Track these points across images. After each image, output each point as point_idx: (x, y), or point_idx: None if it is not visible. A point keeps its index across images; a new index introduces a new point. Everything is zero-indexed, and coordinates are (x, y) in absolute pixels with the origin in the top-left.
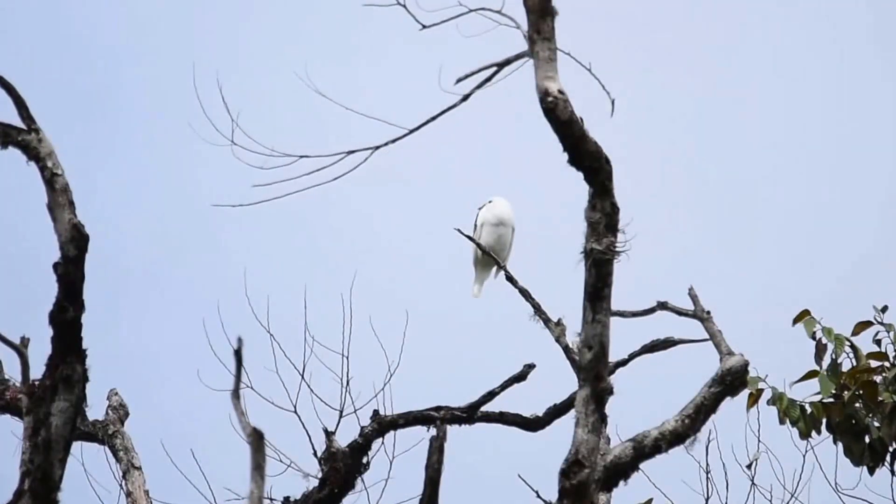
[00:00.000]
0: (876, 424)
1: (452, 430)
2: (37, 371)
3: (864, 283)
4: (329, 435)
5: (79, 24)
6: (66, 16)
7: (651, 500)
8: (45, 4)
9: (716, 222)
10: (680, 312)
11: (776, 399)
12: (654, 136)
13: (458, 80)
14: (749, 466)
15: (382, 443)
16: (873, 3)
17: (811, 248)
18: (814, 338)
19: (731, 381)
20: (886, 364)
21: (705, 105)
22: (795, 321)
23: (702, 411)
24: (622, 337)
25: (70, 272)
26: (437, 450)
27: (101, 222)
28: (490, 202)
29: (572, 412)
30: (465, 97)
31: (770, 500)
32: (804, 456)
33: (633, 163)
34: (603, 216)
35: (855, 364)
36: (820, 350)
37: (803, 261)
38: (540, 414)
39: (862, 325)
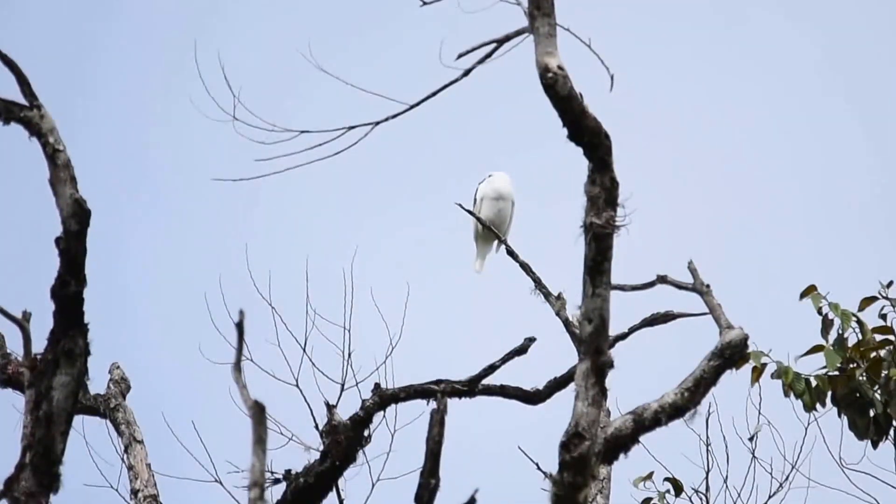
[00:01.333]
0: (880, 399)
1: (453, 403)
2: (38, 345)
3: (870, 256)
4: (330, 408)
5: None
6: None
7: (652, 473)
8: None
9: (719, 196)
10: (679, 286)
11: (781, 372)
12: (655, 110)
13: (459, 56)
14: (750, 439)
15: (384, 416)
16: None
17: (816, 220)
18: (820, 313)
19: (731, 354)
20: (891, 338)
21: (706, 79)
22: (802, 296)
23: (701, 384)
24: (622, 311)
25: (72, 247)
26: (437, 423)
27: (102, 197)
28: (489, 177)
29: (573, 385)
30: (466, 72)
31: (771, 473)
32: (806, 429)
33: (632, 137)
34: (602, 191)
35: (861, 338)
36: (826, 325)
37: (809, 234)
38: (540, 387)
39: (867, 301)
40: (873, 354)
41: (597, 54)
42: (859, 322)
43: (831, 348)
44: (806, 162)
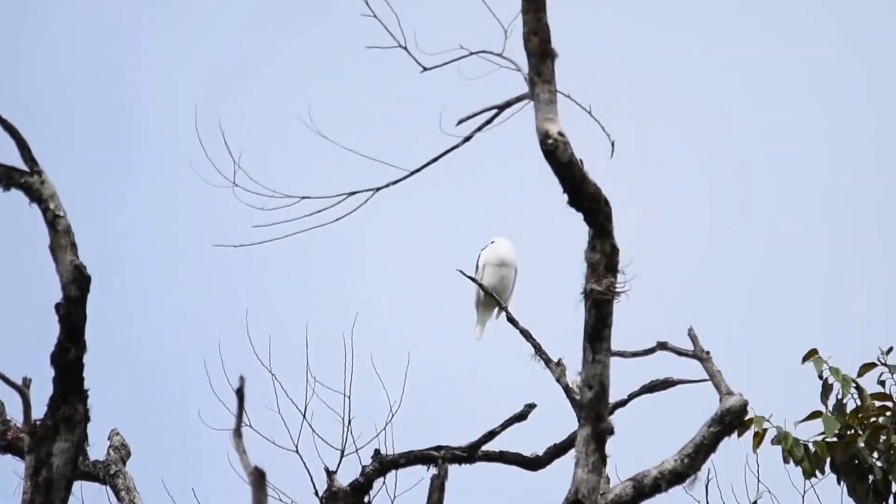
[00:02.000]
0: (879, 465)
1: (453, 470)
2: (38, 411)
3: (871, 323)
4: (331, 474)
5: (82, 66)
6: (72, 56)
7: None
8: (51, 45)
9: (719, 262)
10: (680, 353)
11: (781, 438)
12: (655, 176)
13: (460, 122)
14: None
15: (384, 482)
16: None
17: (815, 288)
18: (821, 377)
19: (731, 420)
20: (890, 405)
21: (705, 146)
22: (804, 360)
23: (701, 451)
24: (622, 377)
25: (72, 313)
26: (438, 489)
27: (103, 264)
28: (492, 243)
29: (573, 452)
30: (467, 139)
31: None
32: (803, 496)
33: (632, 203)
34: (602, 257)
35: (860, 404)
36: (826, 390)
37: (808, 300)
38: (540, 453)
39: (867, 367)
40: (872, 421)
41: (597, 120)
42: (858, 388)
43: (830, 414)
44: (805, 227)
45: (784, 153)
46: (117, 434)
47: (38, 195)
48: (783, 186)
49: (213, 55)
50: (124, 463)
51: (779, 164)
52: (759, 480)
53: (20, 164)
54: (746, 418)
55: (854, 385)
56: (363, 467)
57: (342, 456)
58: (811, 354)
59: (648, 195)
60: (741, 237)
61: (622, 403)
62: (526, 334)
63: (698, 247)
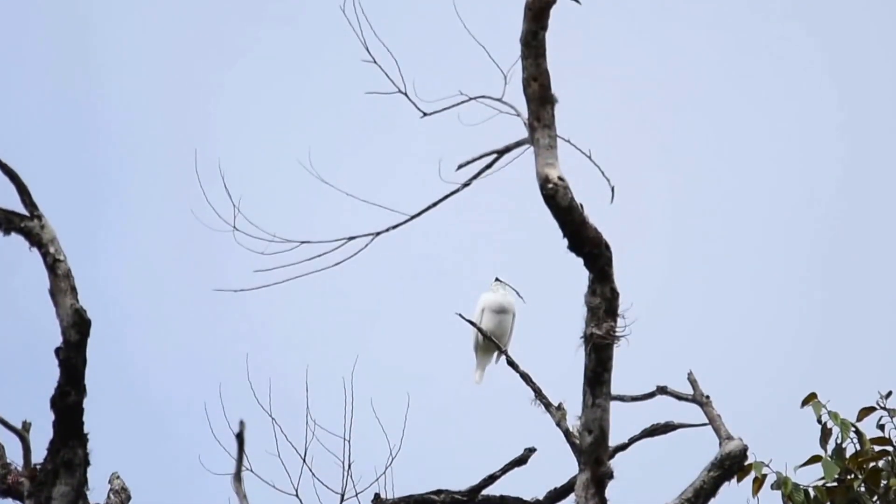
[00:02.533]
0: None
1: None
2: (38, 455)
3: (869, 366)
4: None
5: (81, 109)
6: (69, 97)
7: None
8: (46, 87)
9: (719, 307)
10: (679, 397)
11: (781, 483)
12: (655, 221)
13: (459, 167)
14: None
15: None
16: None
17: (814, 332)
18: (820, 421)
19: (731, 465)
20: (889, 448)
21: (704, 191)
22: (804, 404)
23: (701, 495)
24: (622, 421)
25: (72, 357)
26: None
27: (103, 308)
28: (491, 288)
29: (572, 496)
30: (466, 184)
31: None
32: None
33: (633, 247)
34: (603, 301)
35: (859, 449)
36: (825, 434)
37: (807, 345)
38: (540, 498)
39: (866, 411)
40: (871, 465)
41: (597, 165)
42: (858, 432)
43: (829, 459)
44: (805, 272)
45: (785, 197)
46: (118, 478)
47: (38, 239)
48: (782, 232)
49: (214, 98)
50: None
51: (778, 211)
52: None
53: (20, 209)
54: (746, 463)
55: (853, 429)
56: None
57: (342, 500)
58: (810, 399)
59: (648, 240)
60: (741, 282)
61: (622, 447)
62: (526, 378)
63: (698, 291)
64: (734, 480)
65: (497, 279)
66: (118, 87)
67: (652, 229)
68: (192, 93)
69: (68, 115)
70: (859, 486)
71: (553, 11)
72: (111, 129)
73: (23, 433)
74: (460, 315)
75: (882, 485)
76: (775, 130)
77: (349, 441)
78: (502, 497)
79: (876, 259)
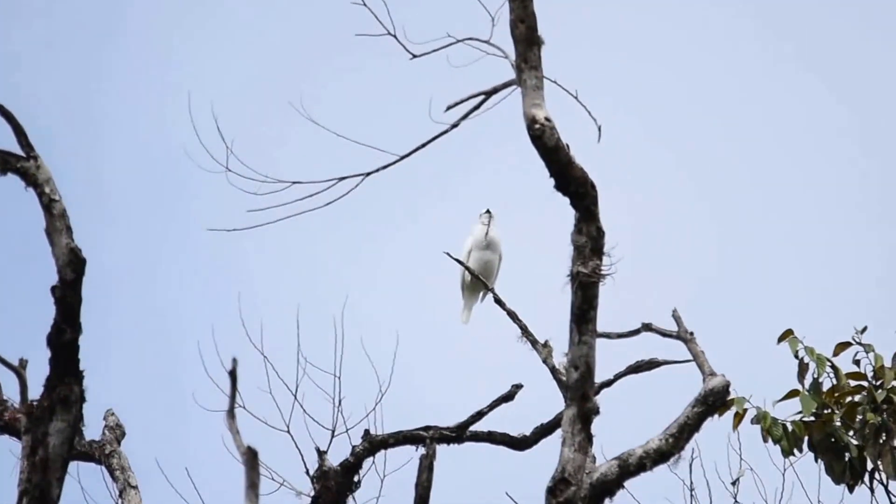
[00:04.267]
0: (855, 443)
1: (441, 449)
2: (35, 392)
3: (844, 303)
4: (321, 454)
5: (76, 52)
6: (64, 40)
7: None
8: (42, 31)
9: (702, 245)
10: (664, 334)
11: (760, 418)
12: (640, 160)
13: (448, 108)
14: (733, 484)
15: (373, 461)
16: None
17: (795, 266)
18: (797, 357)
19: (714, 400)
20: (865, 383)
21: (688, 131)
22: (780, 340)
23: (685, 430)
24: (607, 358)
25: (67, 295)
26: (426, 468)
27: (98, 247)
28: (478, 227)
29: (559, 431)
30: (454, 125)
31: None
32: (783, 474)
33: (618, 187)
34: (588, 240)
35: (835, 383)
36: (802, 369)
37: (787, 281)
38: (527, 433)
39: (842, 346)
40: (848, 399)
41: (584, 105)
42: (834, 367)
43: (807, 394)
44: (784, 210)
45: (766, 138)
46: (112, 414)
47: (34, 180)
48: (764, 169)
49: (204, 44)
50: (119, 443)
51: (760, 148)
52: (741, 458)
53: (17, 150)
54: (728, 399)
55: (829, 364)
56: (353, 447)
57: (333, 436)
58: (786, 335)
59: (634, 179)
60: (722, 220)
61: (608, 384)
62: (513, 315)
63: (682, 230)
64: (717, 416)
65: (487, 210)
66: (113, 29)
67: (638, 169)
68: (184, 35)
69: (64, 57)
70: (836, 420)
71: None
72: (107, 73)
73: (20, 370)
74: (448, 254)
75: (858, 419)
76: (763, 66)
77: (339, 378)
78: (490, 433)
79: (851, 199)
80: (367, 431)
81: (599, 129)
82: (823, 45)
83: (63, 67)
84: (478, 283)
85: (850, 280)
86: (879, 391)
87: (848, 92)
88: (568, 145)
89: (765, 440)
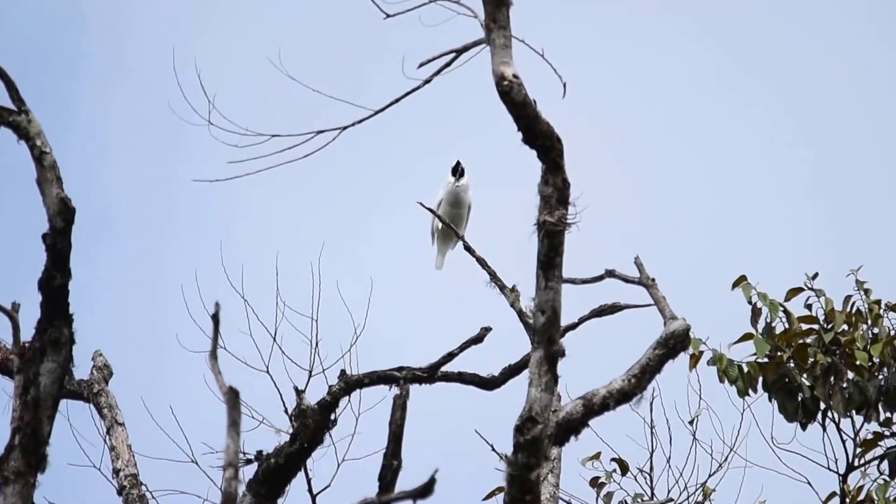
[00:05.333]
0: (807, 384)
1: (414, 389)
2: (27, 334)
3: (800, 248)
4: (299, 393)
5: (62, 7)
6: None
7: (599, 453)
8: None
9: (663, 194)
10: (626, 280)
11: (716, 360)
12: (604, 115)
13: (420, 65)
14: (691, 422)
15: (349, 401)
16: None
17: (749, 214)
18: (750, 302)
19: (674, 343)
20: (816, 326)
21: (651, 85)
22: (734, 286)
23: (647, 371)
24: (573, 302)
25: (58, 242)
26: (400, 407)
27: (86, 196)
28: (449, 181)
29: (526, 372)
30: (427, 81)
31: (710, 454)
32: (742, 413)
33: (583, 141)
34: (555, 190)
35: (788, 327)
36: (756, 314)
37: (740, 232)
38: (496, 374)
39: (794, 291)
40: (800, 342)
41: (549, 63)
42: (786, 311)
43: (760, 336)
44: (738, 159)
45: (724, 88)
46: (100, 355)
47: (25, 133)
48: (721, 118)
49: (186, 3)
50: (107, 382)
51: (718, 99)
52: (700, 398)
53: (8, 104)
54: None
55: (782, 309)
56: (330, 387)
57: (310, 376)
58: (740, 281)
59: (598, 132)
60: (681, 172)
61: (573, 327)
62: (482, 262)
63: (644, 181)
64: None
65: (458, 164)
66: None
67: (602, 123)
68: None
69: (50, 13)
70: (788, 361)
71: None
72: (93, 31)
73: (12, 313)
74: (421, 203)
75: (809, 361)
76: (727, 22)
77: (317, 321)
78: (460, 373)
79: (806, 143)
80: (343, 372)
81: (564, 85)
82: None
83: (48, 19)
84: (449, 231)
85: (803, 229)
86: (828, 334)
87: (806, 41)
88: (535, 101)
89: (721, 381)
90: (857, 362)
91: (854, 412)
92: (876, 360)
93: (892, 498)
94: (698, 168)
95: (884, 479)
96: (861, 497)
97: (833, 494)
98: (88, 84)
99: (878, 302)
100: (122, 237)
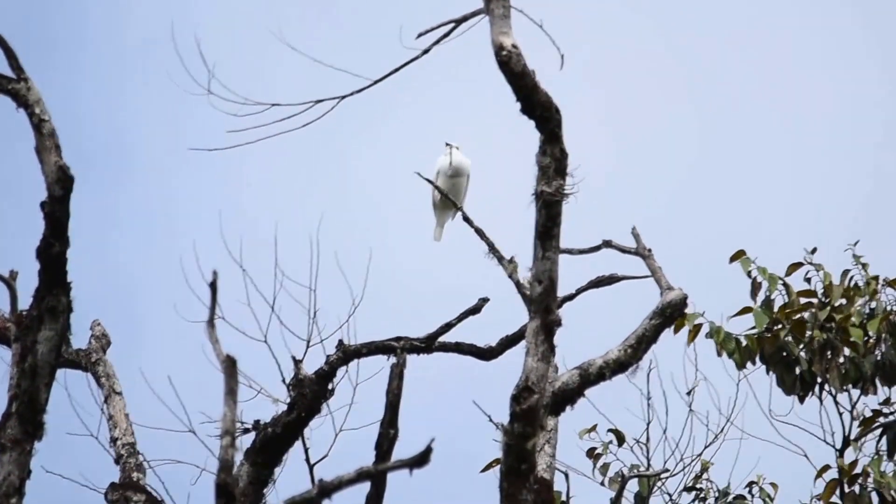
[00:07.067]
0: (805, 357)
1: (412, 359)
2: (25, 302)
3: (800, 223)
4: (297, 363)
5: None
6: None
7: (596, 425)
8: None
9: (660, 166)
10: (623, 250)
11: (714, 333)
12: (603, 86)
13: (419, 35)
14: (688, 394)
15: (347, 370)
16: None
17: (750, 189)
18: (749, 276)
19: (671, 313)
20: (814, 301)
21: (648, 57)
22: (732, 260)
23: (643, 342)
24: (570, 273)
25: (56, 211)
26: (397, 377)
27: (84, 164)
28: (447, 152)
29: (523, 342)
30: (426, 51)
31: (707, 425)
32: (738, 385)
33: (582, 112)
34: (553, 161)
35: (787, 301)
36: (755, 287)
37: (743, 205)
38: (493, 344)
39: (794, 266)
40: (798, 316)
41: (548, 34)
42: (785, 285)
43: (759, 310)
44: (740, 133)
45: (723, 68)
46: (98, 324)
47: (24, 101)
48: (724, 88)
49: None
50: (104, 351)
51: (716, 76)
52: (697, 369)
53: (8, 72)
54: (685, 312)
55: (781, 283)
56: (327, 356)
57: (308, 346)
58: (738, 255)
59: (596, 103)
60: (679, 144)
61: (570, 297)
62: (480, 233)
63: (642, 152)
64: (673, 330)
65: (447, 143)
66: None
67: (600, 95)
68: None
69: None
70: (786, 335)
71: None
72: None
73: (10, 281)
74: (419, 174)
75: (807, 335)
76: None
77: (315, 292)
78: (457, 343)
79: (807, 120)
80: (340, 342)
81: (562, 57)
82: None
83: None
84: (448, 202)
85: (805, 202)
86: (823, 311)
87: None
88: (533, 71)
89: (719, 354)
90: (853, 339)
91: (850, 387)
92: (872, 335)
93: (886, 472)
94: (698, 141)
95: (877, 455)
96: (856, 471)
97: (826, 468)
98: (85, 51)
99: (875, 278)
100: (120, 205)
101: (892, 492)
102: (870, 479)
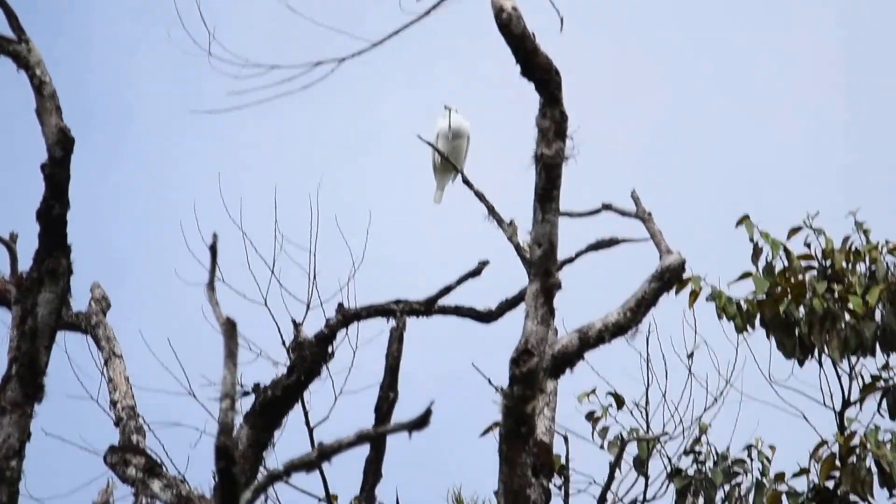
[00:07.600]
0: (805, 321)
1: (411, 322)
2: (25, 264)
3: (801, 188)
4: (297, 326)
5: None
6: None
7: (595, 388)
8: None
9: (661, 131)
10: (623, 213)
11: (715, 296)
12: (603, 49)
13: None
14: (688, 357)
15: (346, 333)
16: None
17: (752, 152)
18: (752, 240)
19: (670, 277)
20: (814, 264)
21: (649, 20)
22: (738, 224)
23: (642, 305)
24: (569, 236)
25: (56, 173)
26: (396, 340)
27: (85, 126)
28: (446, 114)
29: (523, 305)
30: (426, 13)
31: (706, 389)
32: (737, 348)
33: (582, 74)
34: (552, 123)
35: (787, 265)
36: (757, 252)
37: (745, 169)
38: (493, 307)
39: (794, 231)
40: (799, 280)
41: None
42: (786, 250)
43: (760, 275)
44: (745, 95)
45: (726, 23)
46: (98, 287)
47: (25, 62)
48: (726, 53)
49: None
50: (105, 314)
51: (721, 34)
52: (696, 332)
53: (9, 33)
54: (684, 277)
55: (782, 247)
56: (327, 319)
57: (308, 309)
58: (743, 220)
59: (596, 66)
60: (683, 107)
61: (569, 260)
62: (480, 196)
63: (643, 115)
64: (673, 293)
65: (445, 106)
66: None
67: (600, 57)
68: None
69: None
70: (787, 299)
71: None
72: None
73: (10, 244)
74: (419, 137)
75: (807, 297)
76: None
77: (314, 254)
78: (457, 306)
79: (810, 87)
80: (340, 305)
81: (562, 20)
82: None
83: None
84: (448, 165)
85: (807, 166)
86: (821, 283)
87: None
88: (533, 34)
89: (719, 317)
90: (851, 306)
91: (850, 353)
92: (873, 303)
93: (883, 440)
94: (701, 102)
95: (875, 426)
96: (854, 442)
97: (823, 443)
98: (84, 14)
99: (876, 246)
100: (120, 167)
101: (888, 464)
102: (868, 450)
